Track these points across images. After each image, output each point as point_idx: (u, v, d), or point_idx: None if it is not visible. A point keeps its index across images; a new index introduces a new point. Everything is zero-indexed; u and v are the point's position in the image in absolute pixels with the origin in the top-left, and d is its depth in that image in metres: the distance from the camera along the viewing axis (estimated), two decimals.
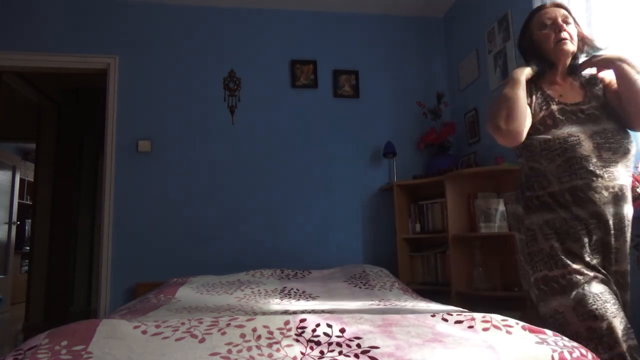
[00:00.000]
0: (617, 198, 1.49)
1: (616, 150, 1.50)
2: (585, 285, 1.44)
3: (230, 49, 3.66)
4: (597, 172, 1.48)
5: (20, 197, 7.00)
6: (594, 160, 1.48)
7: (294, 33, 3.77)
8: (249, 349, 1.31)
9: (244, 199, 3.49)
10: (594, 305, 1.41)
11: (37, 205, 4.94)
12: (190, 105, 3.54)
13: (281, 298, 2.50)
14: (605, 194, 1.47)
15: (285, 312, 1.93)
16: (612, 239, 1.49)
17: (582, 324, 1.42)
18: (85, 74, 3.95)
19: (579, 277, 1.46)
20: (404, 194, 3.49)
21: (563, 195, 1.52)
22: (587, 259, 1.48)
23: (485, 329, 1.46)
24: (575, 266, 1.47)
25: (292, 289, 2.70)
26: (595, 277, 1.47)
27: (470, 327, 1.48)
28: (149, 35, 3.57)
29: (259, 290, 2.65)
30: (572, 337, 1.35)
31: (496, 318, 1.54)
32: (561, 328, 1.44)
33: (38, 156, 5.03)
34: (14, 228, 6.43)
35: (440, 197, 3.32)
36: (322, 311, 1.96)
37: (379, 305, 2.19)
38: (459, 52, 3.71)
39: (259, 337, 1.37)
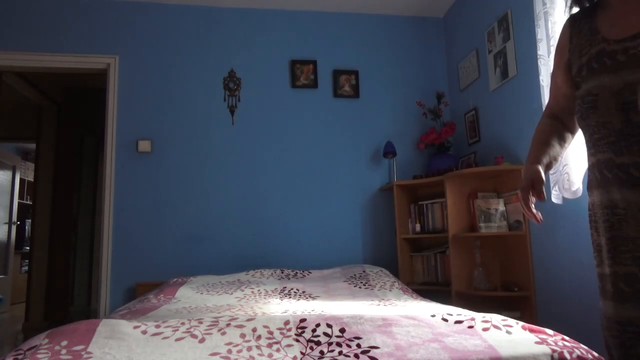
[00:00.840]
0: None
1: None
2: (621, 301, 1.07)
3: (230, 49, 3.66)
4: (622, 143, 1.04)
5: (20, 197, 7.01)
6: (618, 127, 1.04)
7: (294, 33, 3.77)
8: (249, 349, 1.31)
9: (244, 198, 3.49)
10: (625, 330, 1.06)
11: (37, 205, 4.94)
12: (190, 105, 3.54)
13: (281, 298, 2.50)
14: (637, 174, 1.02)
15: (285, 312, 1.93)
16: None
17: (611, 341, 1.12)
18: (85, 74, 3.95)
19: (609, 286, 1.10)
20: (404, 194, 3.49)
21: (594, 171, 1.14)
22: (616, 261, 1.08)
23: (485, 329, 1.46)
24: (612, 269, 1.08)
25: (292, 289, 2.70)
26: (626, 293, 1.05)
27: (470, 327, 1.48)
28: (149, 35, 3.57)
29: (259, 290, 2.65)
30: (604, 344, 1.18)
31: (496, 318, 1.55)
32: (601, 329, 1.20)
33: (38, 156, 5.03)
34: (14, 228, 6.43)
35: (440, 197, 3.32)
36: (322, 311, 1.96)
37: (379, 305, 2.19)
38: (459, 52, 3.71)
39: (259, 337, 1.37)
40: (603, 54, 1.10)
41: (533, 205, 1.28)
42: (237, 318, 1.49)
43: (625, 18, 1.10)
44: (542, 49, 2.51)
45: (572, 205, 2.37)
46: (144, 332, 1.40)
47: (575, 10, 1.28)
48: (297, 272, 3.09)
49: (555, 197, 2.41)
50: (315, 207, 3.56)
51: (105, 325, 1.42)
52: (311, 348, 1.32)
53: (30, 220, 6.94)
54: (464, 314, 1.61)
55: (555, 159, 1.35)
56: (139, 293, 3.18)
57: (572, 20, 1.26)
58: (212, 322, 1.46)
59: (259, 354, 1.28)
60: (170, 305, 2.30)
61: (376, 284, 2.78)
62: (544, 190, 1.25)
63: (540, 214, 1.28)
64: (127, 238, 3.31)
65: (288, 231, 3.50)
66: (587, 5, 1.23)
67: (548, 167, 1.33)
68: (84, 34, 3.48)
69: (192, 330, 1.41)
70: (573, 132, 1.40)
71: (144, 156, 3.43)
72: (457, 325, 1.50)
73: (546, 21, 2.47)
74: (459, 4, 3.72)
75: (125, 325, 1.43)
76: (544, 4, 2.49)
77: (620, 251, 1.05)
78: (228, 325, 1.43)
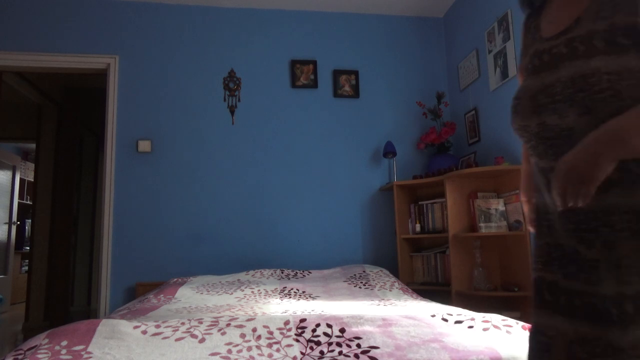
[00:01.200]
0: None
1: (565, 113, 0.89)
2: (539, 307, 0.98)
3: (230, 49, 3.66)
4: (540, 147, 0.96)
5: (20, 197, 7.01)
6: (535, 130, 0.96)
7: (294, 33, 3.77)
8: (249, 349, 1.31)
9: (243, 198, 3.49)
10: (534, 338, 0.97)
11: (37, 205, 4.94)
12: (190, 105, 3.54)
13: (281, 298, 2.50)
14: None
15: (285, 312, 1.93)
16: (581, 247, 0.90)
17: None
18: (85, 74, 3.95)
19: (533, 291, 1.01)
20: (404, 194, 3.49)
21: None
22: (546, 267, 0.98)
23: (485, 329, 1.46)
24: (538, 274, 1.00)
25: (292, 289, 2.70)
26: (545, 300, 0.95)
27: (470, 327, 1.48)
28: (149, 35, 3.57)
29: (259, 290, 2.65)
30: None
31: (496, 318, 1.55)
32: None
33: (38, 156, 5.03)
34: (14, 228, 6.43)
35: (440, 197, 3.32)
36: (322, 311, 1.96)
37: (379, 305, 2.19)
38: (459, 52, 3.71)
39: (259, 337, 1.37)
40: (536, 55, 1.01)
41: None
42: (237, 318, 1.49)
43: (559, 13, 1.00)
44: None
45: None
46: (144, 332, 1.40)
47: (526, 10, 1.18)
48: (297, 272, 3.09)
49: None
50: (315, 207, 3.56)
51: (105, 325, 1.42)
52: (311, 348, 1.32)
53: (30, 220, 6.95)
54: (464, 314, 1.61)
55: None
56: (139, 293, 3.18)
57: (527, 17, 1.16)
58: (212, 322, 1.46)
59: (259, 354, 1.28)
60: (170, 305, 2.30)
61: (376, 284, 2.78)
62: None
63: None
64: (127, 238, 3.31)
65: (288, 231, 3.50)
66: (535, 3, 1.13)
67: None
68: (84, 34, 3.48)
69: (192, 330, 1.41)
70: None
71: (144, 156, 3.43)
72: (457, 325, 1.50)
73: None
74: (459, 4, 3.72)
75: (125, 325, 1.43)
76: None
77: (552, 257, 0.97)
78: (228, 325, 1.43)
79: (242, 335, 1.37)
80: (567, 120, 0.89)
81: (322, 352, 1.30)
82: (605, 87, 0.83)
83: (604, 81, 0.83)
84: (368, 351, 1.29)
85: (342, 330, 1.40)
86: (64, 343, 1.32)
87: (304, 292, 2.65)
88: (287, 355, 1.27)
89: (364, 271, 3.00)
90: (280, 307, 2.11)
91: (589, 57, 0.86)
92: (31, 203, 5.82)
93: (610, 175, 0.85)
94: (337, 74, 3.74)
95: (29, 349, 1.31)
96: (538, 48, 1.01)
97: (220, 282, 2.85)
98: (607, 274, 0.86)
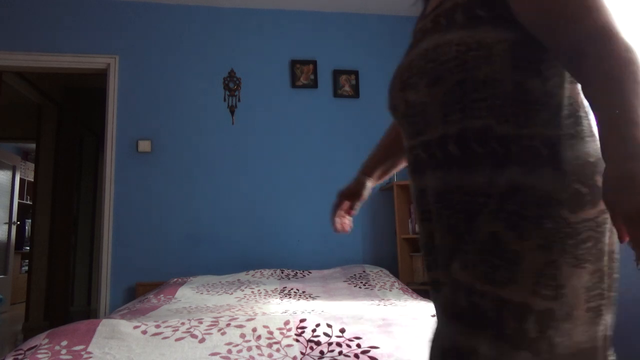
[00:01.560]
0: (434, 161, 0.84)
1: (418, 86, 0.85)
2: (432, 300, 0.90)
3: (230, 49, 3.66)
4: (406, 127, 0.90)
5: (20, 197, 7.01)
6: (403, 110, 0.90)
7: (294, 33, 3.77)
8: (249, 349, 1.31)
9: (243, 198, 3.49)
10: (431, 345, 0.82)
11: (37, 205, 4.93)
12: (191, 105, 3.54)
13: (281, 298, 2.50)
14: (423, 155, 0.86)
15: (285, 312, 1.93)
16: (437, 227, 0.84)
17: None
18: (85, 74, 3.95)
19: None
20: (404, 194, 3.49)
21: None
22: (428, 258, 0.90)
23: None
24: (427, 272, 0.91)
25: (292, 289, 2.70)
26: (433, 289, 0.88)
27: None
28: (149, 35, 3.57)
29: (259, 290, 2.65)
30: None
31: None
32: None
33: (38, 156, 5.03)
34: (14, 228, 6.43)
35: None
36: (322, 311, 1.96)
37: (379, 305, 2.19)
38: None
39: (259, 337, 1.37)
40: (414, 34, 0.97)
41: (342, 215, 1.15)
42: (237, 318, 1.49)
43: None
44: None
45: None
46: (144, 332, 1.40)
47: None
48: (297, 272, 3.09)
49: None
50: (315, 207, 3.56)
51: (105, 325, 1.42)
52: (311, 348, 1.32)
53: (30, 220, 6.94)
54: None
55: (395, 165, 1.20)
56: (139, 293, 3.18)
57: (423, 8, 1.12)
58: (212, 322, 1.46)
59: (259, 354, 1.28)
60: (170, 305, 2.30)
61: (376, 284, 2.78)
62: (357, 206, 1.17)
63: (347, 224, 1.16)
64: (127, 238, 3.31)
65: (288, 231, 3.50)
66: None
67: (385, 174, 1.21)
68: (84, 34, 3.48)
69: (192, 330, 1.41)
70: None
71: (144, 156, 3.43)
72: None
73: None
74: None
75: (125, 325, 1.43)
76: None
77: (426, 248, 0.89)
78: (228, 325, 1.43)
79: (242, 335, 1.37)
80: (420, 93, 0.85)
81: (322, 352, 1.30)
82: (452, 57, 0.80)
83: (452, 51, 0.80)
84: (368, 351, 1.29)
85: (342, 330, 1.40)
86: (64, 343, 1.32)
87: (304, 292, 2.65)
88: (287, 355, 1.27)
89: (364, 271, 3.00)
90: (280, 307, 2.11)
91: (447, 30, 0.83)
92: (31, 203, 5.82)
93: (452, 151, 0.80)
94: (337, 74, 3.74)
95: (29, 349, 1.31)
96: (415, 27, 0.98)
97: (220, 282, 2.85)
98: (448, 260, 0.81)
